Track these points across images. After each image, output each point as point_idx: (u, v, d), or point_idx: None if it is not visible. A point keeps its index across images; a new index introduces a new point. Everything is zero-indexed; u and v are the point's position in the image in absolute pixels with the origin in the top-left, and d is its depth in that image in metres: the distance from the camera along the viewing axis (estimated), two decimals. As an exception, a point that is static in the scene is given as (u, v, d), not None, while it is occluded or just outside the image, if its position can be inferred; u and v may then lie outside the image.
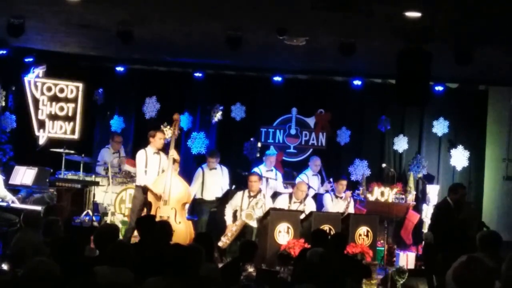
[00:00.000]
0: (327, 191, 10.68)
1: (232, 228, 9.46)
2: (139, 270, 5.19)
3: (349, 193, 10.49)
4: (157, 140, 9.04)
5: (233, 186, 10.53)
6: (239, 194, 9.78)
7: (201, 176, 10.50)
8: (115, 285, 4.81)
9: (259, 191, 9.77)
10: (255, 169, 10.85)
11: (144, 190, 8.89)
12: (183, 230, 8.70)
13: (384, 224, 10.34)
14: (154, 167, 8.99)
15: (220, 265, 6.85)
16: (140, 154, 9.06)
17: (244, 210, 9.53)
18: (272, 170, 10.90)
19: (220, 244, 9.29)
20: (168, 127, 12.08)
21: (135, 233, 8.60)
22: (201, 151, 12.24)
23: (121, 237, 8.45)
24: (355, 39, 8.76)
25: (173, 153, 8.97)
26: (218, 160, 10.55)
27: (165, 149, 9.26)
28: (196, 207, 10.65)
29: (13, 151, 11.55)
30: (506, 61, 9.86)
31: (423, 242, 9.20)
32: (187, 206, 9.68)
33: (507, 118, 12.13)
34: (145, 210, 8.87)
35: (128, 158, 11.04)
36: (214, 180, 10.51)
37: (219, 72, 12.34)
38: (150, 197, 8.84)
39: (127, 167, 10.86)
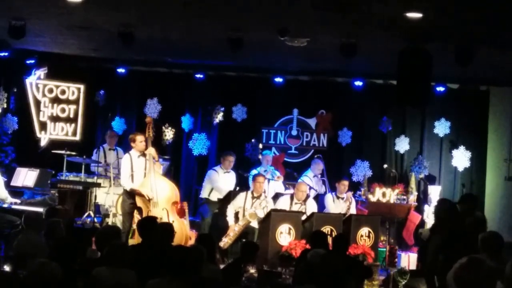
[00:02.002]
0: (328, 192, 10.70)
1: (234, 228, 9.44)
2: (140, 272, 5.20)
3: (350, 193, 10.48)
4: (138, 143, 9.00)
5: (237, 188, 10.53)
6: (242, 195, 9.77)
7: (216, 179, 10.46)
8: (116, 285, 4.82)
9: (263, 192, 9.78)
10: (254, 171, 10.86)
11: (131, 194, 8.85)
12: (178, 229, 8.66)
13: (385, 225, 10.34)
14: (140, 170, 8.95)
15: (221, 266, 6.85)
16: (125, 159, 9.02)
17: (248, 210, 9.51)
18: (267, 170, 10.90)
19: (221, 244, 9.26)
20: (170, 128, 12.17)
21: (131, 236, 8.63)
22: (203, 152, 12.25)
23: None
24: (356, 40, 8.76)
25: (151, 150, 8.94)
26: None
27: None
28: (201, 208, 10.65)
29: (15, 152, 11.56)
30: (507, 61, 9.86)
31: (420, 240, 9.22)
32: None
33: (508, 119, 12.13)
34: (136, 213, 8.83)
35: None
36: (227, 183, 10.50)
37: (220, 73, 12.35)
38: (139, 202, 8.78)
39: None
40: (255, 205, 9.53)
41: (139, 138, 9.03)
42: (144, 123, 9.33)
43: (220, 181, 10.45)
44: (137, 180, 8.89)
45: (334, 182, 10.80)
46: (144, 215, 8.61)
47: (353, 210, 10.34)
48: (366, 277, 7.34)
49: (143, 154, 8.99)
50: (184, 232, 8.82)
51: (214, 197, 10.49)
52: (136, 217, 8.77)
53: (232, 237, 9.37)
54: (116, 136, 11.45)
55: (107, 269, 4.95)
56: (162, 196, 8.80)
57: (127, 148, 11.77)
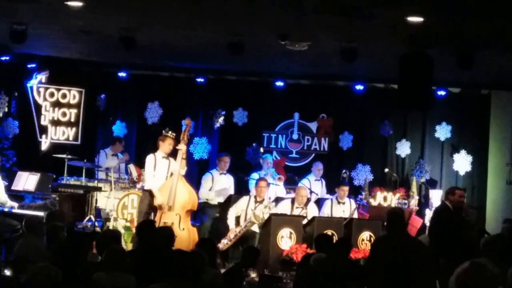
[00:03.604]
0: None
1: (235, 230, 9.42)
2: (141, 276, 5.19)
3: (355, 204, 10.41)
4: (167, 145, 9.00)
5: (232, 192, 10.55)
6: (245, 198, 9.75)
7: (210, 181, 10.50)
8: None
9: (268, 198, 9.76)
10: (254, 174, 10.86)
11: (151, 193, 8.88)
12: (186, 237, 8.65)
13: (387, 229, 10.30)
14: (163, 171, 8.96)
15: (222, 271, 6.84)
16: (150, 158, 9.03)
17: (255, 210, 9.45)
18: (267, 173, 10.92)
19: (220, 245, 9.21)
20: (171, 132, 12.14)
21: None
22: (203, 156, 12.25)
23: (123, 243, 8.44)
24: (357, 44, 8.76)
25: (183, 146, 8.91)
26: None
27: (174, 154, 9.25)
28: (200, 212, 10.66)
29: (16, 156, 11.55)
30: (509, 65, 9.85)
31: None
32: None
33: (510, 123, 12.12)
34: (152, 214, 8.86)
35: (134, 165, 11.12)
36: (224, 185, 10.54)
37: (221, 77, 12.36)
38: (156, 203, 8.83)
39: (133, 172, 10.94)
40: (261, 209, 9.51)
41: (169, 141, 9.03)
42: (181, 125, 9.28)
43: (215, 183, 10.48)
44: (158, 181, 8.89)
45: (334, 186, 10.77)
46: (157, 216, 8.65)
47: (355, 215, 10.27)
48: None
49: (167, 157, 8.99)
50: (192, 240, 8.74)
51: (213, 200, 10.49)
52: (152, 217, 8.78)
53: (233, 239, 9.35)
54: (123, 147, 11.48)
55: (107, 273, 4.94)
56: (178, 201, 8.81)
57: (129, 152, 11.84)
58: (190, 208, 8.97)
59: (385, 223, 5.89)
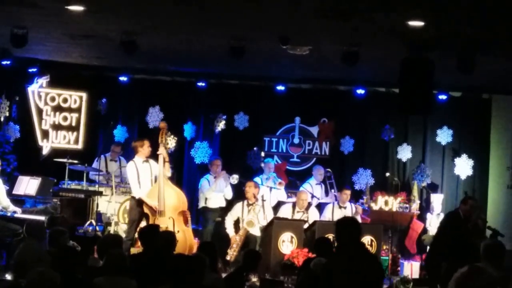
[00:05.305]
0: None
1: (236, 239, 9.46)
2: (142, 280, 5.19)
3: (360, 207, 10.39)
4: (146, 148, 9.01)
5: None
6: (238, 204, 9.81)
7: (207, 186, 10.52)
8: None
9: (256, 198, 9.78)
10: (256, 179, 10.87)
11: (139, 201, 8.84)
12: (182, 239, 8.63)
13: (388, 233, 10.32)
14: (146, 176, 8.94)
15: (223, 275, 6.83)
16: (131, 166, 8.99)
17: (244, 219, 9.53)
18: (269, 177, 10.92)
19: (228, 258, 9.30)
20: (172, 136, 12.18)
21: (134, 245, 8.63)
22: (205, 161, 12.25)
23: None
24: (358, 48, 8.77)
25: (162, 150, 8.89)
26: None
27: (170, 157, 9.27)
28: (201, 216, 10.67)
29: (17, 161, 11.55)
30: (510, 70, 9.85)
31: (427, 248, 9.23)
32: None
33: (510, 127, 12.12)
34: (140, 223, 8.82)
35: None
36: (219, 189, 10.55)
37: (222, 81, 12.37)
38: (146, 210, 8.78)
39: None
40: (251, 213, 9.55)
41: (146, 143, 9.04)
42: (158, 128, 9.32)
43: (211, 188, 10.49)
44: (143, 187, 8.88)
45: (336, 191, 10.76)
46: (151, 223, 8.61)
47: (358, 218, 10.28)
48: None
49: (147, 160, 8.99)
50: (188, 241, 8.78)
51: (212, 204, 10.49)
52: (140, 226, 8.76)
53: (236, 248, 9.39)
54: (120, 151, 11.43)
55: (107, 278, 4.93)
56: (169, 205, 8.78)
57: (129, 155, 11.82)
58: (182, 209, 8.93)
59: (336, 236, 5.01)
